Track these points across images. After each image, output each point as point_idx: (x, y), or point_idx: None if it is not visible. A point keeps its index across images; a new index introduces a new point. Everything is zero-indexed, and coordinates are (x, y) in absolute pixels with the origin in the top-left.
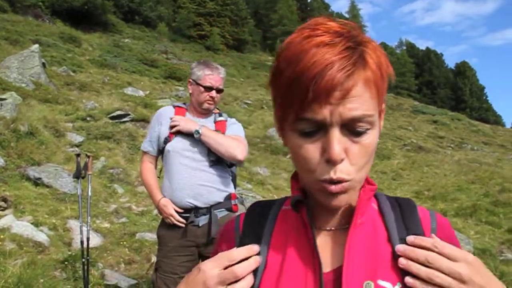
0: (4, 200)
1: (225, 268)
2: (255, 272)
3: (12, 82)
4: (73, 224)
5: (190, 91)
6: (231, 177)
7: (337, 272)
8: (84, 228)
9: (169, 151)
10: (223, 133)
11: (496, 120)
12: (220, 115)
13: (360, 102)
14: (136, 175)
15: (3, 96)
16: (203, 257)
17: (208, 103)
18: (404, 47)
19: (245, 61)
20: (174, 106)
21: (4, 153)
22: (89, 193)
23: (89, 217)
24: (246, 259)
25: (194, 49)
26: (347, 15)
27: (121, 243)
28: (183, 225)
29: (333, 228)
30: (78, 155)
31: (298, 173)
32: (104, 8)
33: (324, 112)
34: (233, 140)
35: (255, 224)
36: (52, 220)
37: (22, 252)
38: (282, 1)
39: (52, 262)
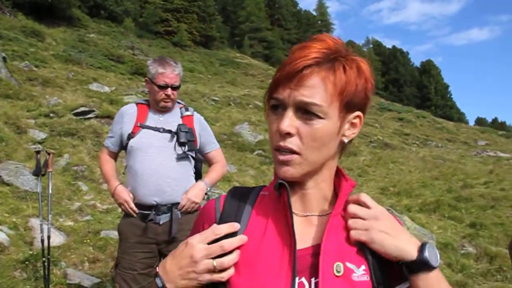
0: None
1: (210, 243)
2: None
3: None
4: (35, 222)
5: (148, 89)
6: (194, 175)
7: (312, 250)
8: (45, 226)
9: (132, 147)
10: (190, 127)
11: (459, 117)
12: (187, 109)
13: (312, 92)
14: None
15: None
16: (163, 255)
17: (165, 102)
18: (371, 45)
19: (212, 58)
20: (137, 104)
21: None
22: (50, 191)
23: (50, 215)
24: (230, 236)
25: (161, 45)
26: (314, 13)
27: (85, 241)
28: (135, 214)
29: (309, 214)
30: (38, 152)
31: None
32: (68, 2)
33: (285, 93)
34: (222, 166)
35: (235, 205)
36: (12, 219)
37: None
38: None
39: (12, 262)
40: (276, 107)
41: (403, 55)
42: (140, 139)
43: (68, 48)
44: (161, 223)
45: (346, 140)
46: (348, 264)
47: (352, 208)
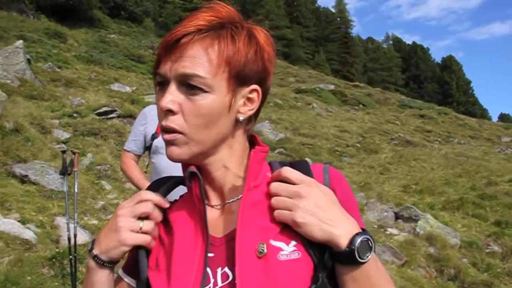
0: None
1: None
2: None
3: None
4: (61, 221)
5: None
6: None
7: (230, 236)
8: (71, 225)
9: (157, 146)
10: None
11: (482, 114)
12: None
13: (194, 63)
14: None
15: None
16: None
17: None
18: (391, 42)
19: None
20: None
21: None
22: (76, 190)
23: (76, 214)
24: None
25: None
26: (333, 10)
27: None
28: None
29: (228, 202)
30: (64, 151)
31: None
32: (89, 3)
33: (166, 67)
34: None
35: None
36: (39, 217)
37: (9, 250)
38: None
39: (40, 259)
40: (162, 84)
41: (424, 51)
42: None
43: (90, 49)
44: None
45: (241, 118)
46: (273, 242)
47: (274, 185)
